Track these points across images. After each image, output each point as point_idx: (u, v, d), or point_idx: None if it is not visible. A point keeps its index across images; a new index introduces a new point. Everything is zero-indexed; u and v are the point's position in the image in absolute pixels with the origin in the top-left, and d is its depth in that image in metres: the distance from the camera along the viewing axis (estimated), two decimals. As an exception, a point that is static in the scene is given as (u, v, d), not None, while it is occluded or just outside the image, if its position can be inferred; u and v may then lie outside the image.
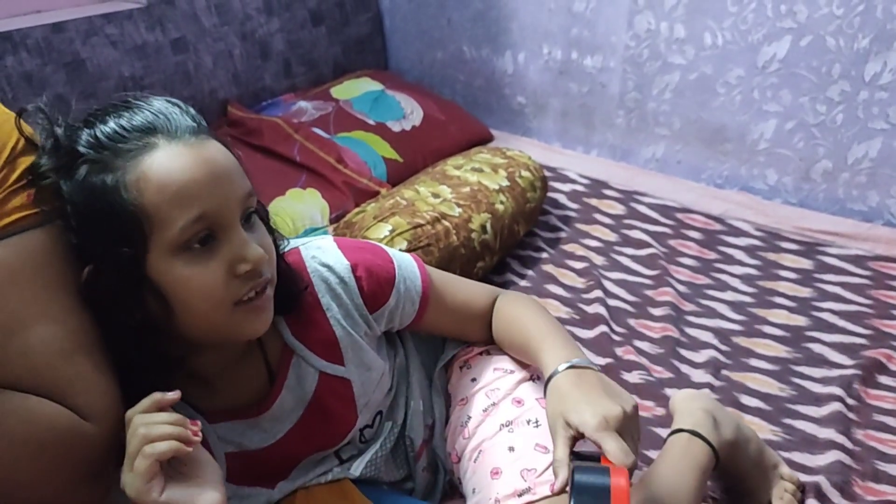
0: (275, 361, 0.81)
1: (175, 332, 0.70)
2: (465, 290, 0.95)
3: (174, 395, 0.64)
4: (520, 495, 0.79)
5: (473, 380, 0.94)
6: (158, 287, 0.66)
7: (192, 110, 0.71)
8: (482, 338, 0.97)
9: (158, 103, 0.69)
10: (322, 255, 0.84)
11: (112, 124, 0.66)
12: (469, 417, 0.90)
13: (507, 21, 2.19)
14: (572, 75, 2.12)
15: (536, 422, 0.86)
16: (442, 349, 1.02)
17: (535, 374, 0.93)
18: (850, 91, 1.67)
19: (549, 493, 0.78)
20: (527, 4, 2.12)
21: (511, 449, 0.84)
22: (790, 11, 1.68)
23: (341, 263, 0.83)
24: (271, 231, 0.77)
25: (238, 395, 0.80)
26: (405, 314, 0.89)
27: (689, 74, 1.89)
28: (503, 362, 0.95)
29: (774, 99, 1.78)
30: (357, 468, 0.88)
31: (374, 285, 0.84)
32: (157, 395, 0.63)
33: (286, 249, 0.83)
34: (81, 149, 0.65)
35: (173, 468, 0.62)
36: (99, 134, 0.66)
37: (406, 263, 0.89)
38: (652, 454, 1.10)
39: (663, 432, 1.04)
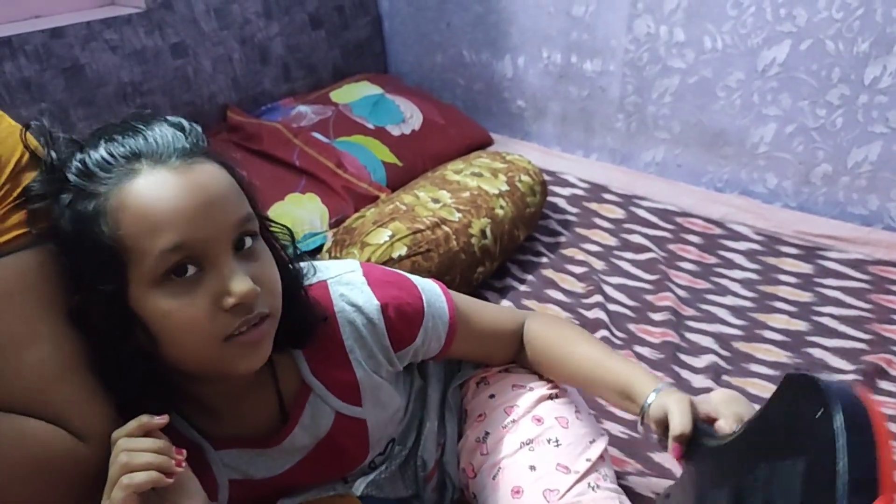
0: (289, 396, 0.78)
1: (168, 364, 0.67)
2: (491, 318, 0.93)
3: (161, 419, 0.61)
4: None
5: (492, 396, 0.92)
6: (143, 320, 0.64)
7: (197, 130, 0.68)
8: (506, 361, 0.96)
9: (159, 127, 0.66)
10: (351, 293, 0.79)
11: (102, 151, 0.64)
12: (487, 433, 0.89)
13: (506, 25, 2.19)
14: (572, 79, 2.12)
15: (557, 441, 0.85)
16: (457, 364, 1.00)
17: (555, 393, 0.92)
18: (850, 95, 1.67)
19: None
20: (526, 8, 2.12)
21: (532, 468, 0.83)
22: (789, 15, 1.68)
23: (371, 303, 0.79)
24: (290, 260, 0.75)
25: (247, 425, 0.77)
26: (430, 350, 0.86)
27: (688, 78, 1.89)
28: (522, 379, 0.93)
29: (774, 103, 1.78)
30: (359, 488, 0.87)
31: (403, 326, 0.81)
32: (144, 419, 0.61)
33: (312, 282, 0.79)
34: (70, 175, 0.64)
35: (157, 494, 0.60)
36: (88, 160, 0.63)
37: (434, 297, 0.85)
38: (662, 460, 1.10)
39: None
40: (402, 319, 0.81)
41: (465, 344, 0.89)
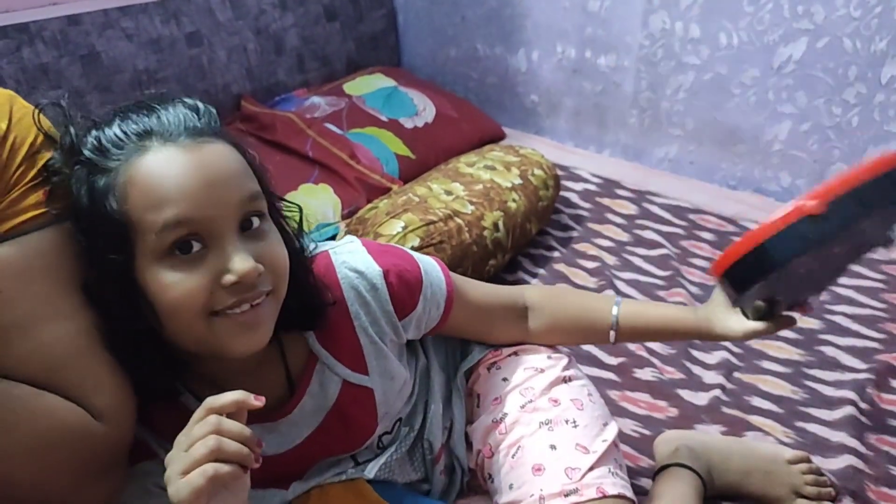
0: (297, 367, 0.79)
1: (173, 342, 0.68)
2: (484, 289, 0.95)
3: (260, 401, 0.59)
4: (566, 496, 0.80)
5: (505, 380, 0.94)
6: (147, 295, 0.64)
7: (211, 111, 0.70)
8: (509, 337, 0.97)
9: (173, 107, 0.68)
10: (353, 259, 0.81)
11: (116, 128, 0.66)
12: (505, 414, 0.90)
13: (521, 19, 2.19)
14: (586, 74, 2.12)
15: (574, 422, 0.87)
16: (461, 350, 1.01)
17: (568, 375, 0.93)
18: (867, 93, 1.66)
19: (595, 496, 0.80)
20: (541, 3, 2.12)
21: (553, 447, 0.84)
22: (807, 12, 1.67)
23: (373, 269, 0.81)
24: (298, 237, 0.75)
25: None
26: (431, 319, 0.88)
27: (703, 75, 1.88)
28: (533, 362, 0.94)
29: (789, 100, 1.77)
30: (371, 470, 0.88)
31: (405, 291, 0.83)
32: (241, 395, 0.58)
33: (315, 253, 0.80)
34: (86, 151, 0.65)
35: None
36: (102, 137, 0.65)
37: (430, 267, 0.88)
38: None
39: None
40: (403, 285, 0.83)
41: (463, 314, 0.91)
